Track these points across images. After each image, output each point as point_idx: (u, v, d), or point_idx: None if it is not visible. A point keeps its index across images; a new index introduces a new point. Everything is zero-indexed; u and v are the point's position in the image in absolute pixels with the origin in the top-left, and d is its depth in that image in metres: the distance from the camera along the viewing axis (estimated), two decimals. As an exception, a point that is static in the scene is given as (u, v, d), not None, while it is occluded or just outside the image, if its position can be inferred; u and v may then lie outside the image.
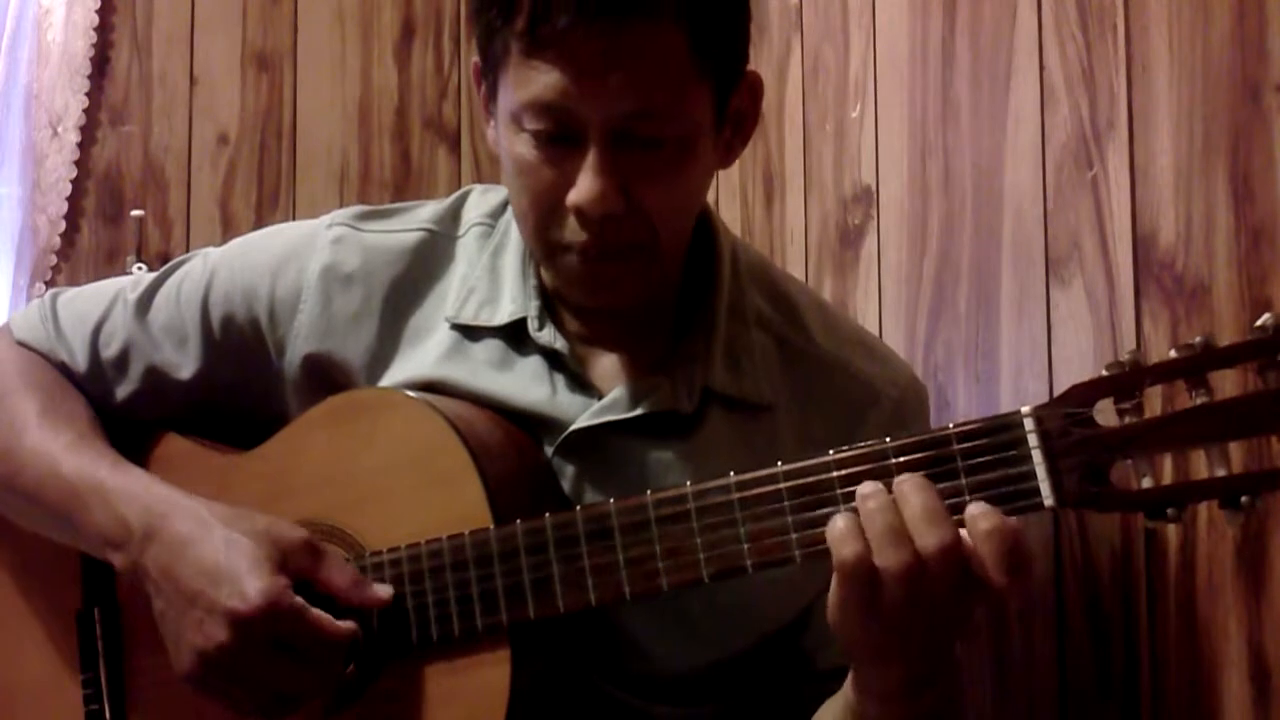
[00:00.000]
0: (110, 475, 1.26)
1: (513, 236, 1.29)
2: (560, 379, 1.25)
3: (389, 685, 1.18)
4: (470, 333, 1.27)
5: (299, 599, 1.14)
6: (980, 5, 1.60)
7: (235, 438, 1.33)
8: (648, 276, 1.21)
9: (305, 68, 2.58)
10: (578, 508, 1.14)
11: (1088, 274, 1.40)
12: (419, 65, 2.63)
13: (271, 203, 2.55)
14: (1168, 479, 0.98)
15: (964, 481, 1.00)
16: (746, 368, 1.26)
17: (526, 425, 1.24)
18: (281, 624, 1.13)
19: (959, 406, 1.60)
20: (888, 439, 1.03)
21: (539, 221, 1.18)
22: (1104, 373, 0.98)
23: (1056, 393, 1.04)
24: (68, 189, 2.43)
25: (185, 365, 1.35)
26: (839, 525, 1.00)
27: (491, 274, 1.29)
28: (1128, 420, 0.97)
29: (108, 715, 1.31)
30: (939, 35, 1.67)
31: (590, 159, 1.13)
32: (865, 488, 1.01)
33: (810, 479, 1.05)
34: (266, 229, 1.41)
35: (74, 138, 2.43)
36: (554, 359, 1.25)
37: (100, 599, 1.33)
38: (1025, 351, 1.49)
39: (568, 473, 1.23)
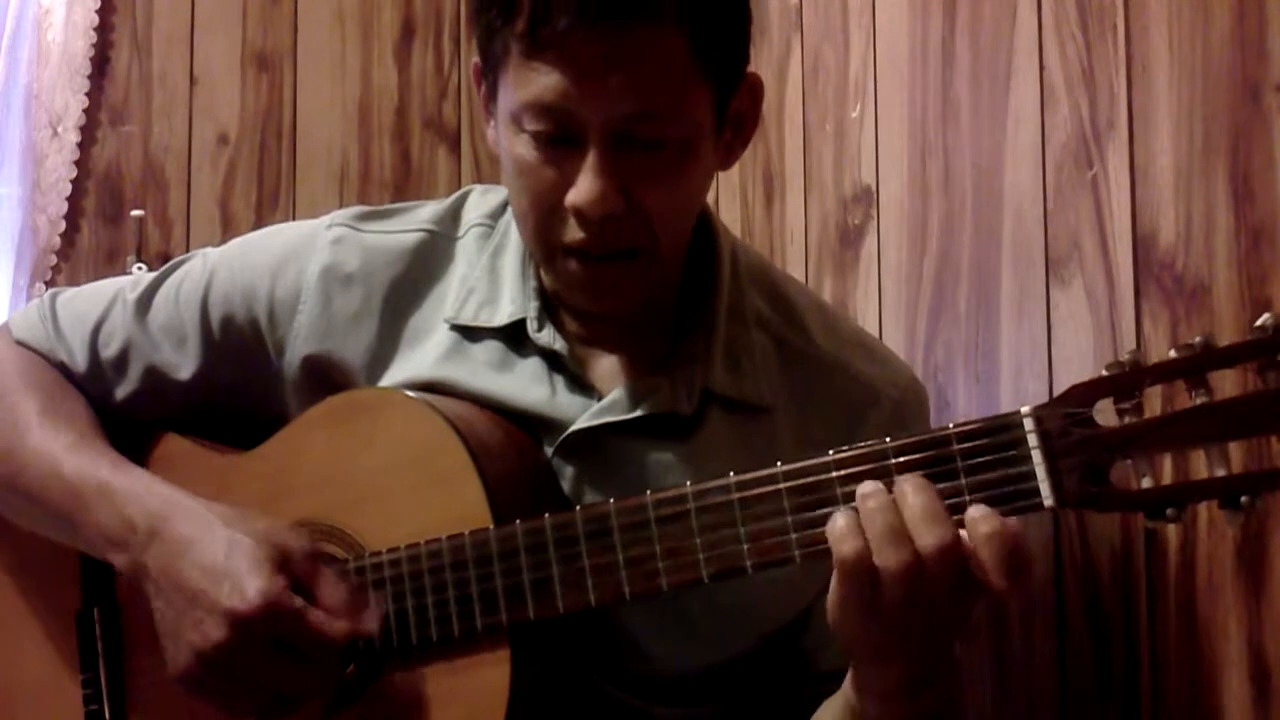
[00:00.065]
0: (113, 475, 1.26)
1: (512, 237, 1.29)
2: (560, 380, 1.25)
3: (389, 685, 1.18)
4: (470, 333, 1.27)
5: (299, 600, 1.14)
6: (980, 5, 1.59)
7: (235, 438, 1.33)
8: (648, 280, 1.21)
9: (305, 68, 2.58)
10: (577, 508, 1.14)
11: (1088, 274, 1.40)
12: (419, 65, 2.63)
13: (271, 203, 2.55)
14: (1168, 479, 0.98)
15: (964, 481, 1.00)
16: (746, 369, 1.26)
17: (526, 426, 1.24)
18: (281, 624, 1.13)
19: (959, 406, 1.60)
20: (887, 439, 1.03)
21: (539, 222, 1.18)
22: (1104, 373, 0.98)
23: (1056, 393, 1.04)
24: (68, 189, 2.43)
25: (184, 365, 1.35)
26: (839, 523, 1.00)
27: (491, 275, 1.29)
28: (1128, 420, 0.97)
29: (107, 715, 1.32)
30: (939, 35, 1.67)
31: (590, 160, 1.13)
32: (865, 487, 1.01)
33: (810, 479, 1.05)
34: (266, 229, 1.41)
35: (74, 138, 2.43)
36: (553, 360, 1.25)
37: (100, 599, 1.33)
38: (1025, 351, 1.49)
39: (567, 473, 1.23)
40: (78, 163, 2.44)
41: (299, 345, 1.30)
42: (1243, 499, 0.95)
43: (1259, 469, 0.96)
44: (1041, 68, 1.48)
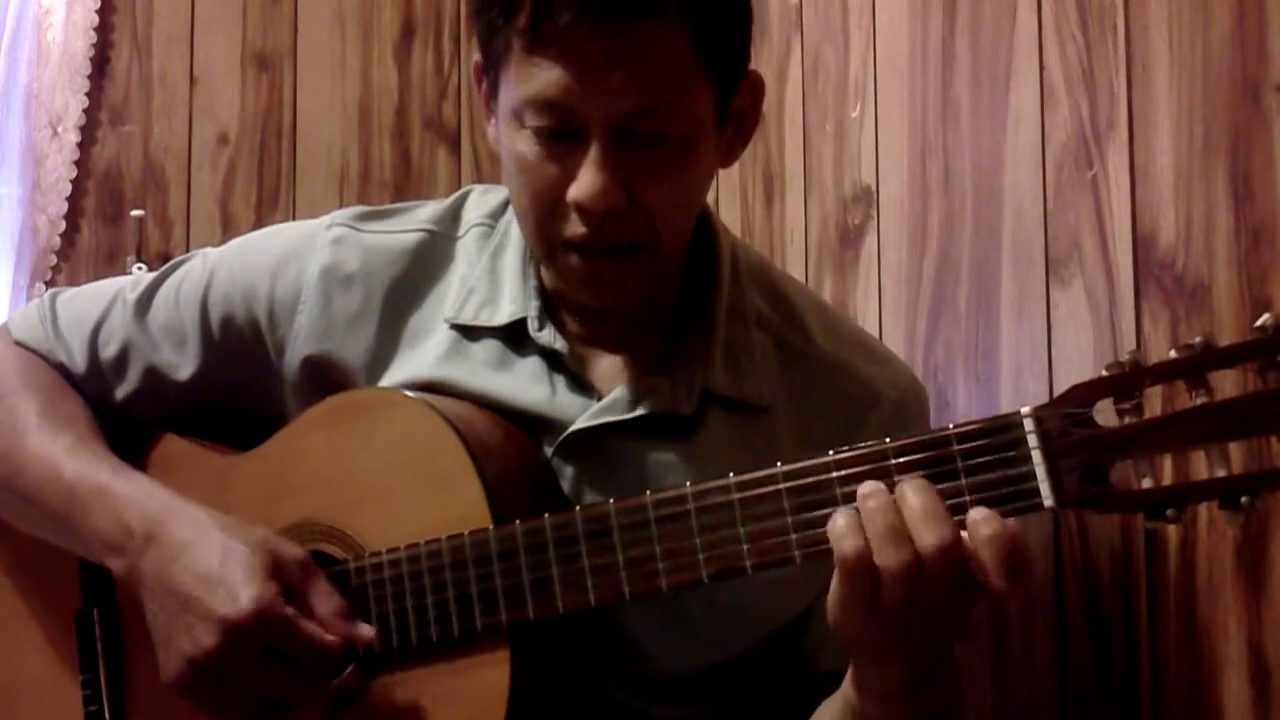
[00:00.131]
0: (111, 479, 1.26)
1: (513, 237, 1.29)
2: (560, 379, 1.25)
3: (389, 685, 1.18)
4: (469, 333, 1.27)
5: (290, 608, 1.14)
6: (980, 5, 1.59)
7: (234, 438, 1.33)
8: (649, 276, 1.21)
9: (305, 68, 2.58)
10: (577, 508, 1.14)
11: (1088, 274, 1.40)
12: (419, 65, 2.63)
13: (271, 203, 2.55)
14: (1168, 479, 0.97)
15: (964, 482, 1.00)
16: (746, 369, 1.26)
17: (526, 425, 1.24)
18: (272, 631, 1.13)
19: (959, 407, 1.60)
20: (887, 439, 1.03)
21: (539, 218, 1.18)
22: (1104, 373, 0.98)
23: (1056, 393, 1.04)
24: (68, 189, 2.43)
25: (184, 365, 1.34)
26: (840, 522, 1.01)
27: (491, 274, 1.29)
28: (1128, 420, 0.97)
29: (107, 715, 1.31)
30: (939, 35, 1.67)
31: (592, 154, 1.13)
32: (866, 487, 1.01)
33: (810, 479, 1.05)
34: (266, 229, 1.41)
35: (74, 138, 2.43)
36: (553, 359, 1.25)
37: (99, 600, 1.33)
38: (1025, 351, 1.49)
39: (567, 473, 1.23)
40: (78, 163, 2.44)
41: (299, 345, 1.30)
42: (1243, 499, 0.95)
43: (1259, 469, 0.95)
44: (1041, 68, 1.48)
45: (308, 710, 1.17)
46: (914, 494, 1.00)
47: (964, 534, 0.98)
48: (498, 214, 1.32)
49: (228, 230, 2.48)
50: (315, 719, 1.18)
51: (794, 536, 1.05)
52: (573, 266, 1.19)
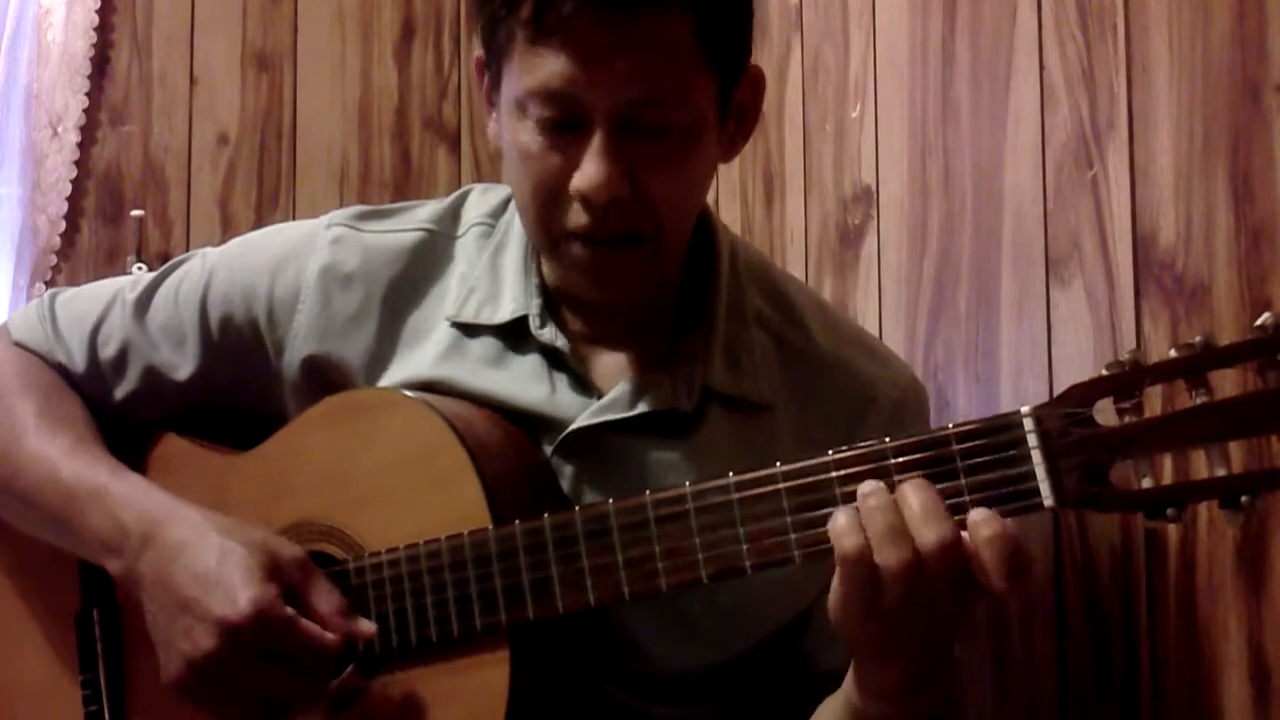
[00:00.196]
0: (110, 480, 1.26)
1: (514, 236, 1.29)
2: (560, 378, 1.25)
3: (389, 685, 1.18)
4: (469, 331, 1.27)
5: (289, 609, 1.14)
6: (980, 5, 1.59)
7: (234, 438, 1.33)
8: (651, 268, 1.21)
9: (305, 68, 2.58)
10: (576, 508, 1.14)
11: (1088, 274, 1.40)
12: (419, 65, 2.63)
13: (271, 203, 2.55)
14: (1168, 479, 0.97)
15: (963, 482, 1.00)
16: (746, 367, 1.26)
17: (525, 424, 1.24)
18: (271, 632, 1.13)
19: (959, 406, 1.59)
20: (887, 439, 1.03)
21: (541, 209, 1.18)
22: (1104, 373, 0.98)
23: (1056, 393, 1.04)
24: (68, 189, 2.43)
25: (183, 365, 1.34)
26: (840, 521, 1.00)
27: (492, 273, 1.29)
28: (1128, 420, 0.97)
29: (107, 716, 1.31)
30: (939, 35, 1.66)
31: (595, 144, 1.13)
32: (866, 486, 1.01)
33: (809, 479, 1.05)
34: (266, 229, 1.41)
35: (74, 138, 2.43)
36: (554, 358, 1.25)
37: (99, 600, 1.33)
38: (1025, 351, 1.49)
39: (567, 472, 1.23)
40: (78, 163, 2.44)
41: (298, 345, 1.30)
42: (1243, 499, 0.95)
43: (1259, 469, 0.95)
44: (1041, 68, 1.48)
45: (308, 710, 1.17)
46: (914, 493, 1.00)
47: (964, 534, 0.98)
48: (498, 213, 1.32)
49: (228, 230, 2.48)
50: (316, 719, 1.18)
51: (793, 536, 1.05)
52: (575, 257, 1.19)
